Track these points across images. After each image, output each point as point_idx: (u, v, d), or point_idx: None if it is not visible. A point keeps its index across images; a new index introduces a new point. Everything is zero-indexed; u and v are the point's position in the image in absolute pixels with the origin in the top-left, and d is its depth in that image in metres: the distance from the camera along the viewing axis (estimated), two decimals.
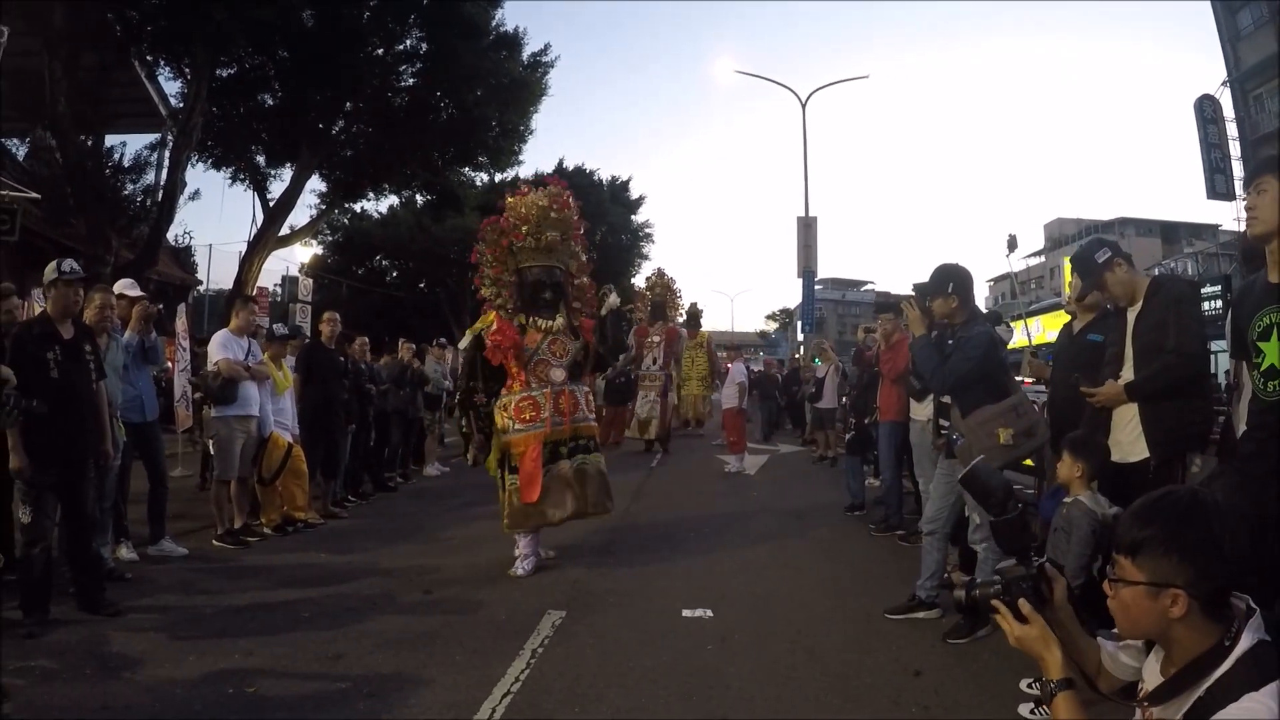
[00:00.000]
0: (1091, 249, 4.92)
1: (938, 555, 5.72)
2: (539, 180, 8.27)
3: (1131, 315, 4.69)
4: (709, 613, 5.96)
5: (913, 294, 5.82)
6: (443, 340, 14.81)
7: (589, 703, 4.43)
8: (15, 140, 20.67)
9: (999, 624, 2.20)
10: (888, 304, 9.05)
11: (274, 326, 9.87)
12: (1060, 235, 61.45)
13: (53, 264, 5.95)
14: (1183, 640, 1.88)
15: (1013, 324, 12.33)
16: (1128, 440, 4.53)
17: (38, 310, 7.30)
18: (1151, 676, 2.01)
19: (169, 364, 11.87)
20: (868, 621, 5.73)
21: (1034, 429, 5.01)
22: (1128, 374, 4.60)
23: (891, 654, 5.09)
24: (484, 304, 7.79)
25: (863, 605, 6.09)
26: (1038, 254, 63.01)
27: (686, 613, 5.96)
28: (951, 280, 5.38)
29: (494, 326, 7.43)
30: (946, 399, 5.46)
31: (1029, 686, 4.35)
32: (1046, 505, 5.36)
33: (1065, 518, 4.29)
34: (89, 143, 18.69)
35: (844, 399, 13.19)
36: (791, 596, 6.44)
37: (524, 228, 7.61)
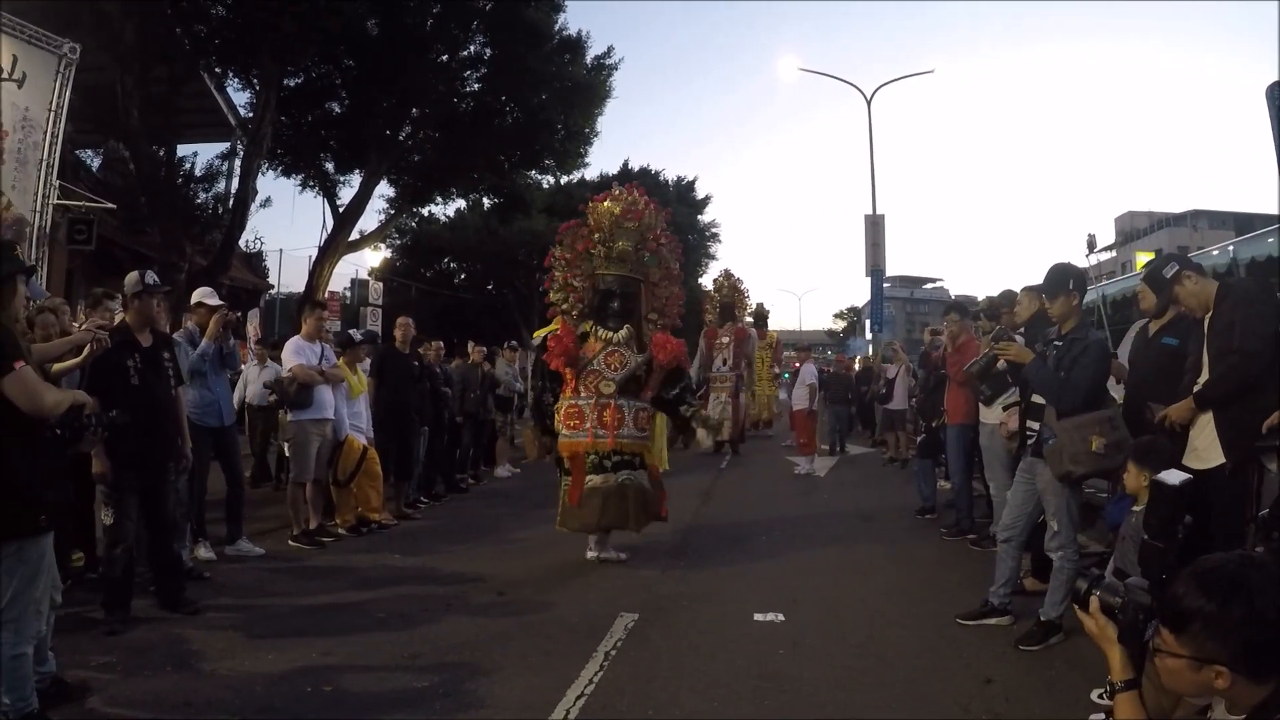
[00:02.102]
0: (1159, 264, 4.92)
1: (1012, 563, 5.66)
2: (605, 182, 8.37)
3: (1207, 322, 4.65)
4: (780, 617, 5.97)
5: (1000, 330, 5.77)
6: (514, 343, 14.99)
7: (661, 705, 4.48)
8: (89, 152, 21.19)
9: (1080, 616, 2.24)
10: (959, 308, 8.98)
11: (350, 332, 10.07)
12: (1131, 229, 60.28)
13: (134, 275, 6.10)
14: (1233, 698, 1.89)
15: None
16: (1204, 446, 4.48)
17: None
18: (1220, 710, 2.03)
19: (242, 367, 12.15)
20: (938, 627, 5.70)
21: (1123, 444, 4.94)
22: (1205, 380, 4.56)
23: (962, 661, 5.07)
24: (550, 308, 7.87)
25: (934, 611, 6.05)
26: (1109, 249, 61.71)
27: (758, 616, 5.98)
28: (1072, 278, 5.31)
29: (556, 332, 7.53)
30: (1039, 399, 5.40)
31: (1099, 698, 4.33)
32: (1113, 511, 5.32)
33: (1134, 527, 4.25)
34: (161, 153, 19.14)
35: (913, 400, 13.10)
36: (863, 601, 6.43)
37: (595, 235, 7.61)
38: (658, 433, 7.97)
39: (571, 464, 7.47)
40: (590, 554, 7.60)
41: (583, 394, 7.44)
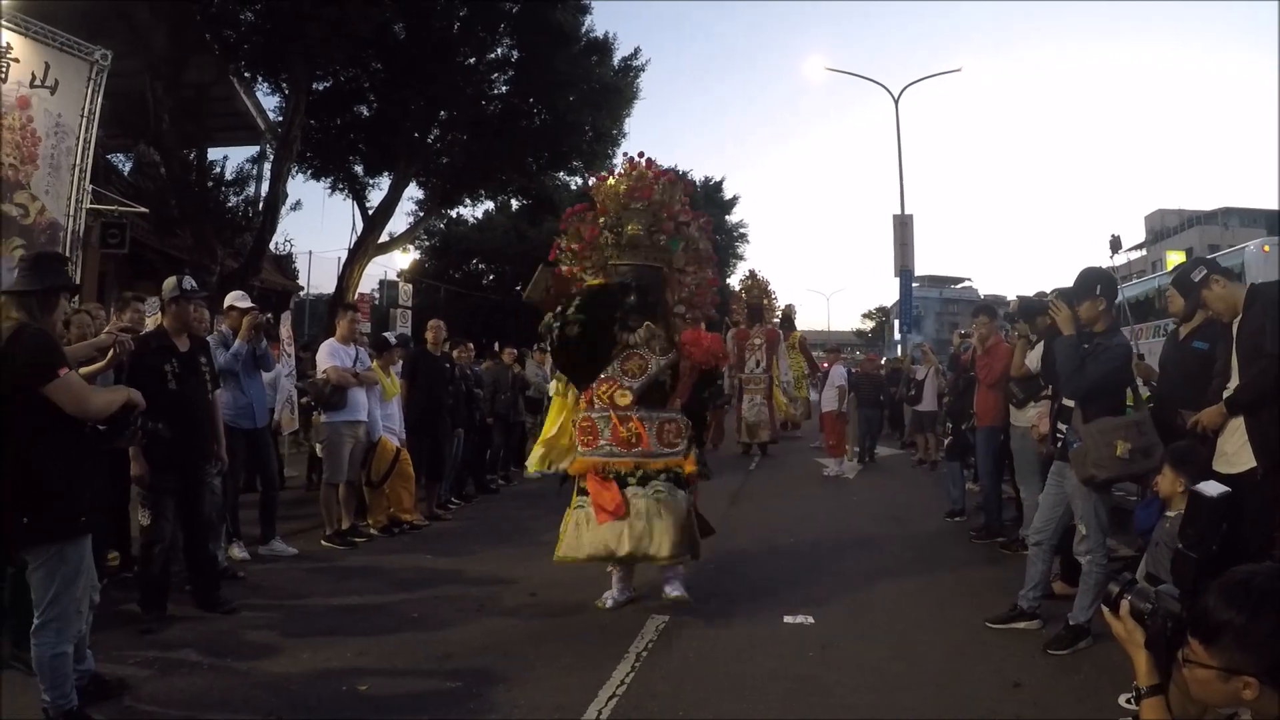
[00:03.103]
0: (1187, 269, 4.93)
1: (1042, 566, 5.66)
2: (633, 160, 6.88)
3: (1236, 326, 4.65)
4: (810, 619, 5.99)
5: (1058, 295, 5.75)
6: (544, 344, 15.01)
7: (692, 707, 4.52)
8: (120, 156, 21.44)
9: (1108, 618, 2.27)
10: (988, 309, 8.97)
11: (384, 335, 10.16)
12: (1162, 227, 59.69)
13: (171, 280, 6.21)
14: (1260, 709, 1.91)
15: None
16: (1233, 450, 4.48)
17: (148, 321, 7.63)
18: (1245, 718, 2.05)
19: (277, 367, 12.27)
20: (968, 630, 5.72)
21: (1151, 450, 4.93)
22: (1235, 384, 4.55)
23: (992, 664, 5.08)
24: None
25: (963, 614, 6.07)
26: (1139, 247, 61.01)
27: (788, 618, 6.00)
28: (1100, 283, 5.32)
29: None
30: (1070, 402, 5.41)
31: (1127, 702, 4.33)
32: (1142, 515, 5.31)
33: (1167, 533, 4.25)
34: (192, 157, 19.34)
35: (943, 402, 13.07)
36: (892, 603, 6.45)
37: (601, 220, 6.64)
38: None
39: (588, 483, 6.36)
40: (609, 599, 6.44)
41: (597, 405, 6.37)
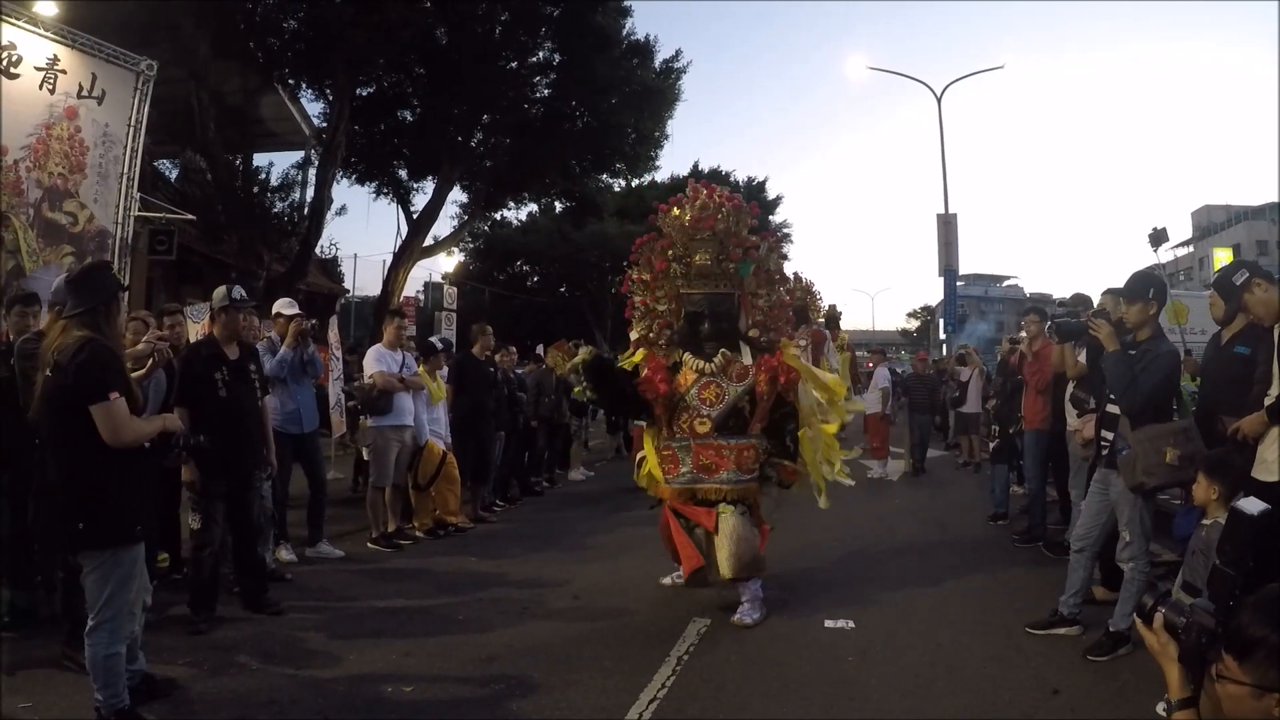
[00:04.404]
0: (1229, 271, 4.89)
1: (1084, 573, 5.65)
2: (678, 184, 6.91)
3: (1277, 332, 4.60)
4: (850, 623, 6.00)
5: (1103, 310, 5.71)
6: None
7: (732, 709, 4.57)
8: (167, 162, 21.80)
9: (1141, 630, 2.28)
10: (1039, 310, 8.92)
11: (430, 340, 10.27)
12: (1209, 223, 58.60)
13: (222, 290, 6.35)
14: None
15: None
16: (1273, 459, 4.42)
17: (191, 327, 7.77)
18: None
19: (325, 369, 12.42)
20: (1008, 636, 5.70)
21: (1198, 456, 4.89)
22: (1276, 391, 4.50)
23: (1031, 670, 5.08)
24: (635, 342, 6.83)
25: (1003, 619, 6.05)
26: (1186, 244, 59.80)
27: (828, 623, 6.02)
28: (1152, 287, 5.30)
29: (644, 368, 6.49)
30: (1115, 409, 5.38)
31: (1164, 710, 4.30)
32: (1181, 522, 5.27)
33: (1203, 541, 4.22)
34: (238, 163, 19.65)
35: (988, 403, 12.97)
36: (933, 608, 6.44)
37: (669, 252, 6.55)
38: (810, 461, 6.60)
39: (673, 507, 6.40)
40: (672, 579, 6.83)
41: (678, 434, 6.34)
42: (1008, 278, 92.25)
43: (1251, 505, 2.59)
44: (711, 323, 6.42)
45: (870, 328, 78.22)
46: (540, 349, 13.22)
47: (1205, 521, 4.33)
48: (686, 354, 6.42)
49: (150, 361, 5.49)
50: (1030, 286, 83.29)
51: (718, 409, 6.24)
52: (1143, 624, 2.27)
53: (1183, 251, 59.77)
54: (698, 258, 6.40)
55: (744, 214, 6.56)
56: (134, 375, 5.58)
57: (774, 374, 6.27)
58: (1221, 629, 2.14)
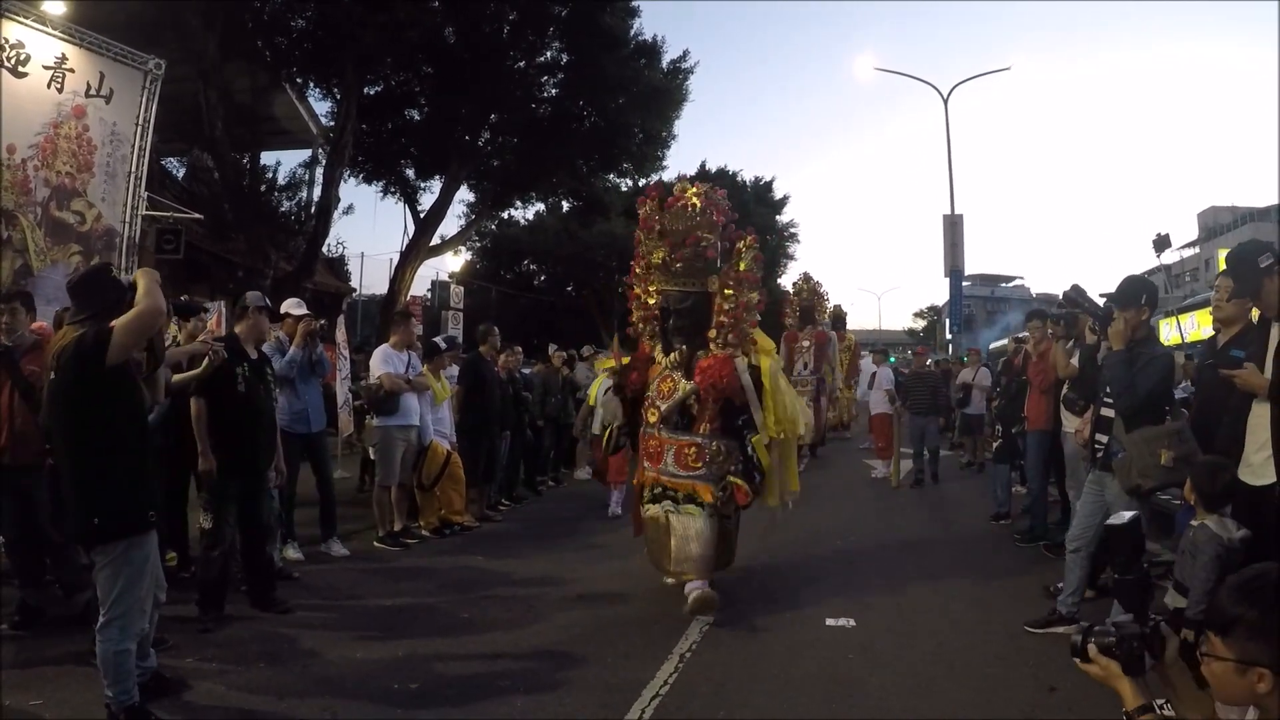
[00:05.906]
0: (1253, 251, 4.73)
1: (1081, 572, 5.68)
2: (665, 184, 6.98)
3: (1275, 329, 4.54)
4: (851, 622, 6.04)
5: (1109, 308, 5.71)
6: (593, 348, 15.09)
7: (734, 707, 4.61)
8: (174, 161, 21.85)
9: (1083, 668, 2.35)
10: (1042, 313, 8.95)
11: (435, 340, 10.34)
12: (1215, 225, 58.18)
13: (256, 293, 6.60)
14: (1273, 709, 1.97)
15: (1163, 321, 11.93)
16: (1259, 463, 4.40)
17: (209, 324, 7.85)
18: (1251, 714, 2.11)
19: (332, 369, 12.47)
20: (1008, 634, 5.74)
21: (1193, 457, 4.91)
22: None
23: (1030, 668, 5.12)
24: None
25: (1004, 617, 6.09)
26: (1191, 245, 59.41)
27: (830, 621, 6.06)
28: (1145, 292, 5.34)
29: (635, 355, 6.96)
30: (1109, 412, 5.41)
31: (1160, 708, 4.31)
32: (1182, 520, 5.30)
33: (1191, 541, 4.25)
34: (245, 162, 19.68)
35: (991, 403, 12.96)
36: (934, 607, 6.48)
37: (639, 249, 6.85)
38: (767, 467, 6.53)
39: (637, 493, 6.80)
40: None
41: (648, 423, 6.63)
42: (1014, 278, 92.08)
43: (1119, 518, 2.68)
44: (675, 319, 6.60)
45: (877, 327, 78.10)
46: (551, 349, 13.26)
47: (1194, 523, 4.35)
48: (659, 347, 6.74)
49: (206, 362, 5.61)
50: (1036, 287, 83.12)
51: (667, 403, 6.41)
52: (1081, 662, 2.34)
53: (1188, 253, 59.51)
54: (655, 255, 6.63)
55: (713, 209, 6.53)
56: (189, 375, 5.72)
57: (707, 377, 6.29)
58: (1151, 627, 2.30)
